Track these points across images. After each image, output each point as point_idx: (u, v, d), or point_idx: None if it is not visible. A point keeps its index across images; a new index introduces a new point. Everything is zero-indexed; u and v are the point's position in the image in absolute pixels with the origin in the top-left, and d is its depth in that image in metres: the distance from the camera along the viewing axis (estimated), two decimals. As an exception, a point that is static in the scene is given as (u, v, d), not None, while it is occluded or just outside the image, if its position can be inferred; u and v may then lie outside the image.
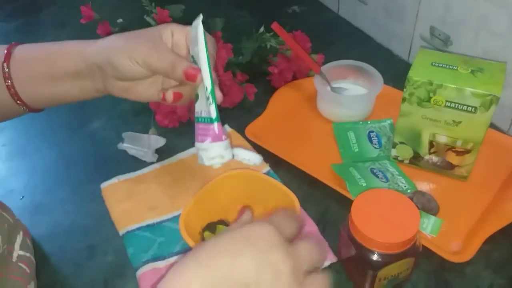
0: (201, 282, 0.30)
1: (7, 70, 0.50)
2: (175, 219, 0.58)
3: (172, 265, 0.53)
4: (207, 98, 0.45)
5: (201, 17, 0.45)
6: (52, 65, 0.50)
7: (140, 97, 0.50)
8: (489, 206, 0.58)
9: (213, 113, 0.45)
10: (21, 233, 0.54)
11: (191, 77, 0.45)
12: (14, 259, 0.50)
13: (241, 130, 0.70)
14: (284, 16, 1.02)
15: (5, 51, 0.50)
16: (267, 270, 0.31)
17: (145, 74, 0.47)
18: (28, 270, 0.51)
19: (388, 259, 0.46)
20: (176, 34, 0.49)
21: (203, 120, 0.47)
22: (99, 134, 0.74)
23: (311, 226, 0.56)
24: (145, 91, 0.50)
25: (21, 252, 0.52)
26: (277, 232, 0.33)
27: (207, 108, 0.46)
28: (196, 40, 0.45)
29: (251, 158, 0.49)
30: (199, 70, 0.45)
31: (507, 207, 0.57)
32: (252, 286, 0.30)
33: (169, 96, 0.48)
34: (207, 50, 0.45)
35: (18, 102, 0.51)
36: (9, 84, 0.50)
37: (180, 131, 0.73)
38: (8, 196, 0.65)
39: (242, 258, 0.31)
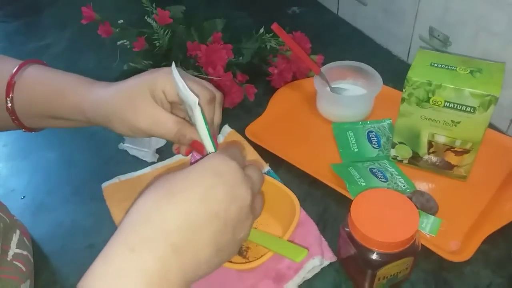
0: (177, 217, 0.32)
1: (10, 105, 0.50)
2: (176, 218, 0.59)
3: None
4: None
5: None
6: (53, 109, 0.50)
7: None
8: (488, 206, 0.59)
9: None
10: (17, 232, 0.54)
11: (198, 150, 0.46)
12: (9, 258, 0.50)
13: (241, 130, 0.70)
14: (284, 17, 1.02)
15: (10, 78, 0.50)
16: (234, 202, 0.34)
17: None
18: (24, 269, 0.51)
19: (387, 258, 0.46)
20: (169, 96, 0.46)
21: None
22: (100, 134, 0.74)
23: (310, 226, 0.57)
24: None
25: (18, 250, 0.52)
26: (239, 167, 0.36)
27: None
28: (186, 102, 0.43)
29: None
30: (203, 146, 0.44)
31: (506, 206, 0.57)
32: (221, 216, 0.33)
33: (183, 152, 0.49)
34: (206, 125, 0.43)
35: (23, 130, 0.54)
36: (14, 118, 0.52)
37: (181, 131, 0.73)
38: (9, 196, 0.65)
39: (213, 191, 0.34)
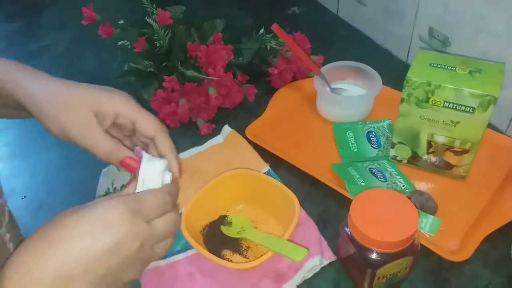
0: (55, 275, 0.32)
1: None
2: (176, 218, 0.59)
3: (173, 264, 0.54)
4: None
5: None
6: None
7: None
8: (487, 206, 0.59)
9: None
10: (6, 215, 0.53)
11: (128, 168, 0.45)
12: (10, 248, 0.50)
13: (241, 131, 0.70)
14: (284, 18, 1.03)
15: None
16: (117, 256, 0.34)
17: None
18: None
19: (387, 258, 0.46)
20: (122, 118, 0.46)
21: None
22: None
23: (310, 225, 0.57)
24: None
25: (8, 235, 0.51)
26: (135, 221, 0.35)
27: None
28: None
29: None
30: (136, 161, 0.44)
31: (505, 206, 0.58)
32: (100, 271, 0.33)
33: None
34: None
35: None
36: None
37: (181, 131, 0.73)
38: (10, 196, 0.64)
39: (96, 246, 0.33)
